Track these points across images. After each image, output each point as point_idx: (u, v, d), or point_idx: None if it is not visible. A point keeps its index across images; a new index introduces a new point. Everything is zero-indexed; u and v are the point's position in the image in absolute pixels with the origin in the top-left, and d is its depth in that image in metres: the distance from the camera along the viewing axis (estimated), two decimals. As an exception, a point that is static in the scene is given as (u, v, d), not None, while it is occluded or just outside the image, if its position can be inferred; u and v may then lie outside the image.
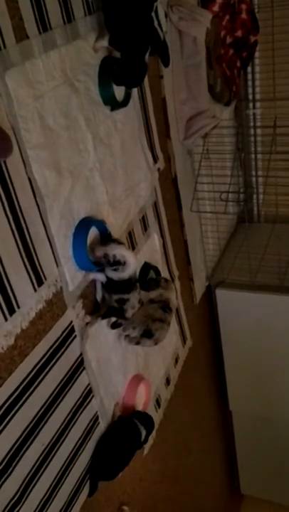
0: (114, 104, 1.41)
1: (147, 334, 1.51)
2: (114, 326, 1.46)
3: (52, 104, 1.17)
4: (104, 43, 1.29)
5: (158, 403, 1.94)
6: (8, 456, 1.14)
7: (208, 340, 2.62)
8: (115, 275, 1.34)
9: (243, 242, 2.34)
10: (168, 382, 2.03)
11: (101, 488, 1.55)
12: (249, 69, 2.31)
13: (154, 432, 1.82)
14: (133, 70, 1.33)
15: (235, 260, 2.31)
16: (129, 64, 1.31)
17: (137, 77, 1.36)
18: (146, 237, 1.71)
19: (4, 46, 1.02)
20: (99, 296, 1.44)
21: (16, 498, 1.17)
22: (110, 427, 1.54)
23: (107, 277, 1.36)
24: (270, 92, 2.13)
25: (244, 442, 3.16)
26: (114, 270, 1.33)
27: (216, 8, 1.75)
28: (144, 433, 1.58)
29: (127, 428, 1.55)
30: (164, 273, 1.85)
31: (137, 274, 1.53)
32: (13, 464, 1.16)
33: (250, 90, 2.41)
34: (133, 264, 1.35)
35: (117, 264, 1.31)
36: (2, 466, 1.12)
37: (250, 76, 2.37)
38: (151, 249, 1.76)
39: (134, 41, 1.29)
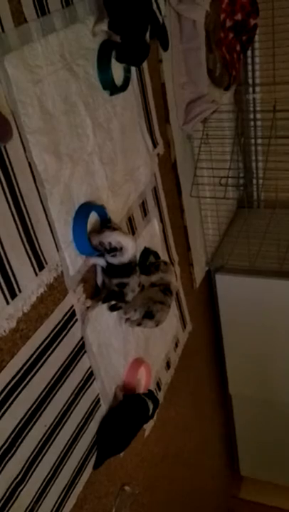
0: (113, 88, 1.41)
1: (148, 315, 1.53)
2: (113, 308, 1.47)
3: (51, 89, 1.17)
4: (104, 26, 1.28)
5: (158, 386, 1.96)
6: (12, 436, 1.16)
7: (208, 324, 2.64)
8: (115, 260, 1.35)
9: (242, 227, 2.35)
10: (168, 365, 2.05)
11: (103, 468, 1.58)
12: (249, 53, 2.30)
13: (154, 415, 1.84)
14: (135, 49, 1.32)
15: (235, 245, 2.32)
16: (130, 44, 1.31)
17: (140, 56, 1.36)
18: (146, 222, 1.72)
19: (3, 30, 1.02)
20: (99, 281, 1.45)
21: (19, 478, 1.20)
22: (119, 403, 1.58)
23: (107, 262, 1.37)
24: (269, 77, 2.12)
25: (244, 425, 3.20)
26: (113, 256, 1.34)
27: (215, -9, 1.74)
28: (151, 407, 1.61)
29: (136, 403, 1.59)
30: (164, 258, 1.86)
31: (138, 258, 1.54)
32: (17, 445, 1.18)
33: (249, 74, 2.39)
34: (131, 248, 1.36)
35: (114, 250, 1.33)
36: (6, 446, 1.14)
37: (249, 60, 2.35)
38: (151, 235, 1.77)
39: (134, 24, 1.28)
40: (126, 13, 1.25)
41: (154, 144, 1.75)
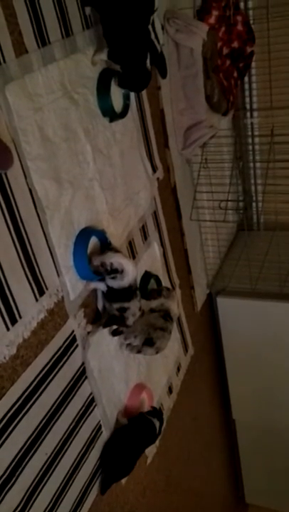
0: (112, 115, 1.43)
1: (149, 342, 1.52)
2: (114, 333, 1.47)
3: (51, 117, 1.19)
4: (103, 56, 1.31)
5: (160, 412, 1.93)
6: (12, 465, 1.14)
7: (210, 348, 2.62)
8: (115, 283, 1.35)
9: (243, 250, 2.35)
10: (170, 390, 2.03)
11: (105, 497, 1.55)
12: (246, 79, 2.34)
13: (157, 441, 1.81)
14: (136, 76, 1.35)
15: (236, 268, 2.32)
16: (131, 71, 1.33)
17: (142, 82, 1.38)
18: (146, 246, 1.73)
19: (4, 61, 1.04)
20: (100, 305, 1.45)
21: (19, 509, 1.17)
22: (124, 426, 1.56)
23: (108, 286, 1.37)
24: (267, 102, 2.15)
25: (248, 451, 3.14)
26: (113, 278, 1.34)
27: (211, 20, 1.78)
28: (157, 424, 1.60)
29: (141, 423, 1.58)
30: (165, 281, 1.86)
31: (138, 282, 1.54)
32: (17, 474, 1.16)
33: (247, 100, 2.43)
34: (132, 272, 1.36)
35: (115, 272, 1.33)
36: (5, 476, 1.12)
37: (247, 86, 2.39)
38: (152, 258, 1.77)
39: (133, 53, 1.31)
40: (125, 43, 1.28)
41: (154, 169, 1.77)
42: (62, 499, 1.34)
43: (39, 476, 1.24)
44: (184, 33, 1.71)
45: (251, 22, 2.05)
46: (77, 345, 1.36)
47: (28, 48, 1.11)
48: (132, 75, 1.35)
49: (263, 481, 3.26)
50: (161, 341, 1.55)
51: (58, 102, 1.21)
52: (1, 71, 1.04)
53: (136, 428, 1.57)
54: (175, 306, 1.66)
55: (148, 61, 1.33)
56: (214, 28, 1.79)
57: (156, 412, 1.65)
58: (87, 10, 1.29)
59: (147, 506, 1.92)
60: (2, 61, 1.04)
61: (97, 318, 1.45)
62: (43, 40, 1.15)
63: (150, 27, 1.31)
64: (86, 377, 1.41)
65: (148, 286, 1.69)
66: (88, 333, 1.40)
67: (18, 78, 1.08)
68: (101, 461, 1.49)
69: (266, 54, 2.04)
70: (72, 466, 1.37)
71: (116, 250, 1.38)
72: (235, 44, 1.97)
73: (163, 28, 1.67)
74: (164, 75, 1.47)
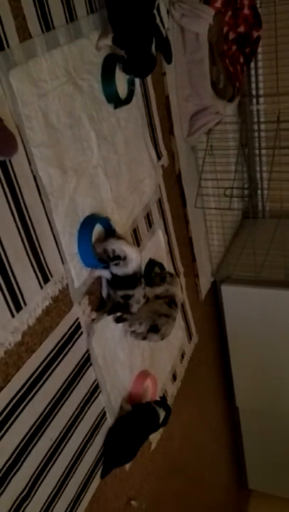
0: (117, 101, 1.42)
1: (154, 329, 1.52)
2: (118, 320, 1.47)
3: (56, 103, 1.18)
4: (108, 41, 1.29)
5: (165, 399, 1.95)
6: (17, 451, 1.15)
7: (214, 335, 2.62)
8: (119, 271, 1.35)
9: (248, 238, 2.34)
10: (174, 377, 2.04)
11: (109, 482, 1.57)
12: (252, 64, 2.31)
13: (161, 428, 1.83)
14: (141, 61, 1.33)
15: (241, 256, 2.32)
16: (136, 57, 1.32)
17: (146, 68, 1.37)
18: (150, 233, 1.72)
19: (8, 46, 1.03)
20: (104, 293, 1.45)
21: (24, 493, 1.19)
22: (128, 412, 1.57)
23: (112, 273, 1.37)
24: (273, 88, 2.13)
25: (251, 437, 3.17)
26: (116, 265, 1.34)
27: (218, 4, 1.75)
28: (162, 414, 1.60)
29: (145, 412, 1.59)
30: (169, 269, 1.86)
31: (142, 270, 1.54)
32: (22, 459, 1.17)
33: (253, 86, 2.40)
34: (136, 259, 1.35)
35: (118, 258, 1.32)
36: (11, 461, 1.14)
37: (253, 72, 2.36)
38: (156, 246, 1.77)
39: (138, 38, 1.29)
40: (130, 28, 1.26)
41: (159, 156, 1.75)
42: (67, 484, 1.35)
43: (44, 461, 1.25)
44: (189, 18, 1.68)
45: (258, 6, 2.02)
46: (81, 333, 1.36)
47: (32, 33, 1.10)
48: (137, 60, 1.33)
49: (265, 468, 3.29)
50: (166, 328, 1.55)
51: (62, 88, 1.20)
52: (4, 56, 1.03)
53: (139, 415, 1.58)
54: (179, 291, 1.66)
55: (153, 46, 1.32)
56: (220, 12, 1.76)
57: (163, 402, 1.66)
58: (92, -6, 1.28)
59: (151, 491, 1.94)
60: (6, 46, 1.03)
61: (101, 306, 1.45)
62: (47, 24, 1.14)
63: (155, 11, 1.29)
64: (90, 364, 1.41)
65: (152, 275, 1.69)
66: (93, 320, 1.41)
67: (22, 63, 1.07)
68: (104, 446, 1.50)
69: (273, 39, 2.02)
70: (76, 451, 1.38)
71: (119, 237, 1.38)
72: (242, 29, 1.94)
73: (168, 12, 1.65)
74: (169, 61, 1.45)
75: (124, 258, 1.34)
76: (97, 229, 1.37)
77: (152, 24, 1.30)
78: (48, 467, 1.27)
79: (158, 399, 1.74)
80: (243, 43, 1.98)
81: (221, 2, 1.76)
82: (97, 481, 1.50)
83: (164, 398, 1.69)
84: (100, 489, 1.52)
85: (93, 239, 1.33)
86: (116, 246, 1.33)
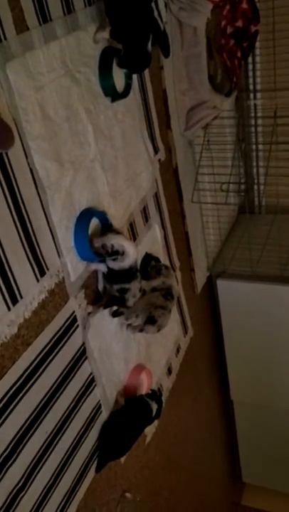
0: (114, 95, 1.41)
1: (151, 321, 1.53)
2: (115, 314, 1.47)
3: (53, 96, 1.18)
4: (106, 34, 1.29)
5: (160, 392, 1.96)
6: (13, 443, 1.16)
7: (210, 330, 2.63)
8: (116, 265, 1.36)
9: (244, 233, 2.35)
10: (170, 371, 2.05)
11: (104, 475, 1.58)
12: (250, 59, 2.30)
13: (156, 421, 1.84)
14: (137, 57, 1.33)
15: (236, 251, 2.32)
16: (132, 52, 1.31)
17: (142, 64, 1.36)
18: (147, 228, 1.72)
19: (5, 38, 1.03)
20: (100, 286, 1.45)
21: (20, 485, 1.19)
22: (121, 407, 1.58)
23: (108, 267, 1.37)
24: (270, 83, 2.13)
25: (245, 431, 3.19)
26: (114, 260, 1.34)
27: (216, -2, 1.75)
28: (155, 407, 1.61)
29: (138, 405, 1.59)
30: (166, 263, 1.86)
31: (138, 264, 1.54)
32: (18, 451, 1.18)
33: (250, 81, 2.40)
34: (133, 254, 1.36)
35: (116, 253, 1.33)
36: (6, 453, 1.14)
37: (250, 66, 2.36)
38: (153, 240, 1.77)
39: (135, 32, 1.29)
40: (128, 21, 1.25)
41: (156, 150, 1.75)
42: (62, 476, 1.36)
43: (39, 453, 1.26)
44: (187, 11, 1.68)
45: (256, 0, 2.01)
46: (77, 326, 1.36)
47: (29, 25, 1.09)
48: (134, 55, 1.33)
49: (259, 461, 3.31)
50: (163, 319, 1.56)
51: (60, 81, 1.20)
52: (1, 49, 1.02)
53: (133, 409, 1.59)
54: (175, 283, 1.67)
55: (150, 42, 1.31)
56: (219, 6, 1.76)
57: (155, 395, 1.67)
58: (90, -14, 1.27)
59: (146, 484, 1.95)
60: (3, 38, 1.02)
61: (97, 299, 1.45)
62: (44, 16, 1.13)
63: (153, 5, 1.29)
64: (86, 358, 1.42)
65: (148, 269, 1.69)
66: (89, 313, 1.41)
67: (19, 56, 1.07)
68: (98, 440, 1.51)
69: (270, 34, 2.01)
70: (72, 444, 1.39)
71: (117, 232, 1.38)
72: (240, 23, 1.93)
73: (166, 5, 1.64)
74: (166, 54, 1.45)
75: (123, 253, 1.34)
76: (94, 223, 1.37)
77: (150, 18, 1.29)
78: (44, 459, 1.28)
79: (153, 389, 1.74)
80: (241, 38, 1.97)
81: (219, -4, 1.75)
82: (92, 473, 1.51)
83: (154, 392, 1.69)
84: (94, 481, 1.53)
85: (90, 232, 1.33)
86: (115, 241, 1.33)
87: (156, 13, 1.31)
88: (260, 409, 2.95)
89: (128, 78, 1.47)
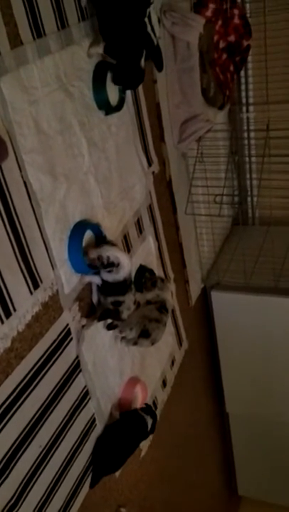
0: (108, 108, 1.42)
1: (144, 334, 1.53)
2: (109, 327, 1.47)
3: (47, 110, 1.19)
4: (99, 49, 1.30)
5: (155, 405, 1.94)
6: (5, 458, 1.14)
7: (205, 341, 2.63)
8: (110, 277, 1.35)
9: (237, 245, 2.36)
10: (164, 384, 2.04)
11: (98, 489, 1.56)
12: (242, 73, 2.33)
13: (150, 435, 1.82)
14: (130, 73, 1.34)
15: (231, 262, 2.33)
16: (126, 68, 1.33)
17: (135, 80, 1.38)
18: (141, 239, 1.73)
19: (-1, 52, 1.04)
20: (95, 299, 1.45)
21: (12, 501, 1.18)
22: (116, 420, 1.56)
23: (102, 280, 1.37)
24: (263, 96, 2.14)
25: (241, 444, 3.17)
26: (109, 272, 1.34)
27: (208, 13, 1.77)
28: (150, 422, 1.60)
29: (133, 419, 1.58)
30: (160, 275, 1.86)
31: (133, 276, 1.54)
32: (11, 467, 1.16)
33: (243, 94, 2.43)
34: (127, 266, 1.36)
35: (111, 265, 1.33)
36: (-1, 468, 1.13)
37: (243, 80, 2.38)
38: (147, 252, 1.77)
39: (129, 47, 1.30)
40: (121, 38, 1.27)
41: (149, 163, 1.76)
42: (56, 492, 1.34)
43: (33, 468, 1.24)
44: (180, 26, 1.70)
45: (248, 15, 2.04)
46: (71, 339, 1.36)
47: (23, 40, 1.10)
48: (127, 70, 1.34)
49: (255, 474, 3.29)
50: (157, 333, 1.56)
51: (54, 95, 1.21)
52: (-5, 63, 1.03)
53: (127, 423, 1.57)
54: (170, 296, 1.67)
55: (143, 57, 1.32)
56: (211, 21, 1.78)
57: (150, 409, 1.65)
58: (83, 2, 1.28)
59: (141, 499, 1.93)
60: (-3, 53, 1.03)
61: (91, 312, 1.45)
62: (38, 31, 1.15)
63: (146, 19, 1.30)
64: (80, 371, 1.41)
65: (142, 280, 1.69)
66: (83, 326, 1.40)
67: (13, 70, 1.07)
68: (92, 455, 1.50)
69: (262, 48, 2.04)
70: (66, 459, 1.38)
71: (112, 244, 1.38)
72: (232, 38, 1.96)
73: (159, 20, 1.66)
74: (160, 68, 1.47)
75: (118, 265, 1.34)
76: (88, 235, 1.37)
77: (143, 33, 1.31)
78: (37, 475, 1.26)
79: (147, 403, 1.73)
80: (234, 52, 2.00)
81: (212, 11, 1.78)
82: (86, 489, 1.49)
83: (149, 406, 1.68)
84: (88, 497, 1.51)
85: (84, 245, 1.33)
86: (110, 253, 1.33)
87: (149, 28, 1.33)
88: (256, 421, 2.93)
89: (122, 92, 1.48)
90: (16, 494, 1.19)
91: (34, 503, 1.26)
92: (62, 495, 1.37)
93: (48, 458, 1.30)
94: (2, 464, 1.13)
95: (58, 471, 1.35)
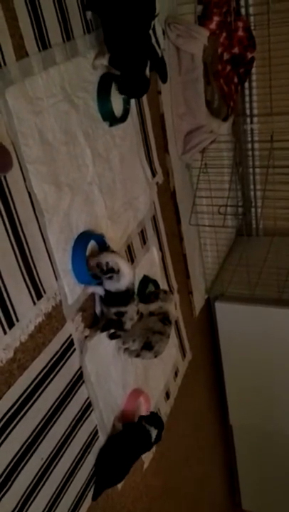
0: (112, 119, 1.43)
1: (147, 347, 1.52)
2: (112, 336, 1.46)
3: (51, 120, 1.19)
4: (104, 61, 1.31)
5: (156, 414, 1.92)
6: (7, 470, 1.13)
7: (208, 353, 2.61)
8: (112, 286, 1.35)
9: (241, 256, 2.35)
10: (168, 395, 2.02)
11: (101, 503, 1.54)
12: (246, 85, 2.34)
13: (153, 447, 1.80)
14: (135, 83, 1.35)
15: (234, 273, 2.32)
16: (131, 78, 1.34)
17: (140, 89, 1.39)
18: (145, 250, 1.73)
19: (5, 63, 1.04)
20: (98, 310, 1.44)
21: (14, 513, 1.17)
22: (118, 433, 1.55)
23: (105, 290, 1.37)
24: (267, 108, 2.15)
25: (245, 457, 3.13)
26: (109, 278, 1.33)
27: (212, 26, 1.78)
28: (154, 433, 1.58)
29: (136, 431, 1.56)
30: (163, 286, 1.86)
31: (136, 287, 1.53)
32: (12, 479, 1.15)
33: (247, 105, 2.43)
34: (128, 273, 1.35)
35: (111, 271, 1.32)
36: (1, 480, 1.12)
37: (247, 92, 2.40)
38: (150, 263, 1.77)
39: (133, 59, 1.31)
40: (126, 50, 1.28)
41: (153, 173, 1.76)
42: (58, 504, 1.33)
43: (35, 480, 1.23)
44: (184, 38, 1.71)
45: (252, 28, 2.05)
46: (74, 349, 1.35)
47: (28, 51, 1.11)
48: (132, 81, 1.35)
49: (259, 488, 3.25)
50: (160, 345, 1.55)
51: (58, 106, 1.21)
52: (1, 74, 1.04)
53: (130, 435, 1.56)
54: (173, 308, 1.66)
55: (148, 69, 1.33)
56: (215, 34, 1.79)
57: (155, 419, 1.64)
58: (88, 14, 1.30)
59: (143, 511, 1.91)
60: (3, 64, 1.04)
61: (95, 323, 1.44)
62: (43, 43, 1.15)
63: (151, 31, 1.31)
64: (83, 382, 1.40)
65: (146, 291, 1.68)
66: (86, 337, 1.40)
67: (19, 81, 1.08)
68: (95, 467, 1.48)
69: (267, 60, 2.05)
70: (68, 470, 1.36)
71: (112, 250, 1.38)
72: (236, 50, 1.97)
73: (164, 32, 1.67)
74: (164, 80, 1.48)
75: (118, 271, 1.33)
76: (92, 245, 1.37)
77: (148, 45, 1.32)
78: (39, 487, 1.25)
79: (152, 412, 1.71)
80: (238, 64, 2.01)
81: (216, 24, 1.79)
82: (88, 500, 1.47)
83: (155, 414, 1.66)
84: (91, 509, 1.49)
85: (87, 255, 1.33)
86: (109, 258, 1.32)
87: (154, 40, 1.34)
88: (260, 434, 2.90)
89: (126, 103, 1.49)
90: (18, 507, 1.17)
91: (35, 516, 1.24)
92: (65, 507, 1.36)
93: (50, 470, 1.29)
94: (4, 477, 1.12)
95: (60, 483, 1.33)
